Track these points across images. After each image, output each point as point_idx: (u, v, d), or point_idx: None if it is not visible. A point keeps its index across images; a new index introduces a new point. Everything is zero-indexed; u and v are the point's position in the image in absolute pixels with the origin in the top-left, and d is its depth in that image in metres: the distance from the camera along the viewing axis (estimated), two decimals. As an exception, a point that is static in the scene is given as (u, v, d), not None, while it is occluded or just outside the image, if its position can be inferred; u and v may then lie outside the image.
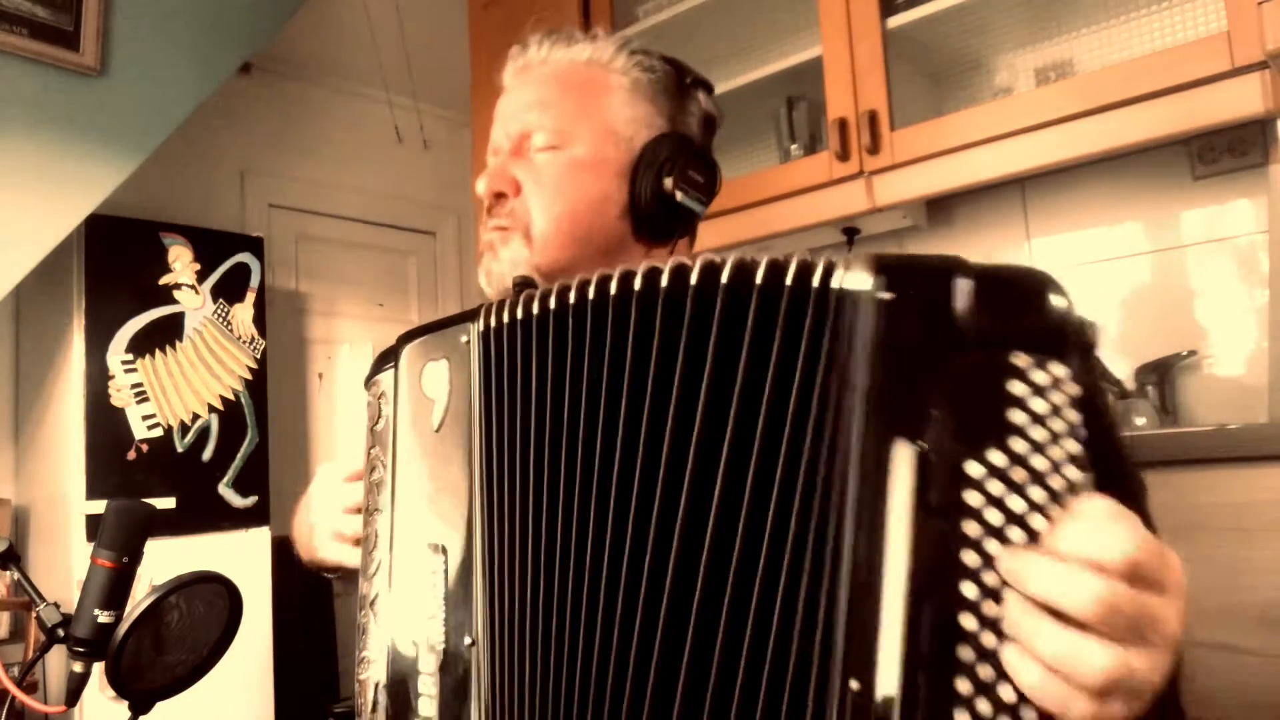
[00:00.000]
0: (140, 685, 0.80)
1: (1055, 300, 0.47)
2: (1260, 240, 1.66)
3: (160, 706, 0.82)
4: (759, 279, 0.52)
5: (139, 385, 2.52)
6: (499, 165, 0.84)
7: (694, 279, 0.54)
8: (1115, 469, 0.47)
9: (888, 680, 0.45)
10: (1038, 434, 0.44)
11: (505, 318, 0.64)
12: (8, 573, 1.12)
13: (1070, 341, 0.46)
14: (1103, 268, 1.85)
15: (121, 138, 2.24)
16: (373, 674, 0.65)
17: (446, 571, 0.63)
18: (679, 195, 0.80)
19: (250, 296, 2.78)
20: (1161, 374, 1.71)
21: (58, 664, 2.34)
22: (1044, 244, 1.92)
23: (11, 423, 2.72)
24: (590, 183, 0.82)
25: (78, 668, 0.79)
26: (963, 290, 0.47)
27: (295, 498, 0.90)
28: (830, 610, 0.47)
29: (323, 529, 0.81)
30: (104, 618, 0.78)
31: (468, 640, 0.61)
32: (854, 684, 0.45)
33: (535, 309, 0.62)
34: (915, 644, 0.44)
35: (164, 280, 2.60)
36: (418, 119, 3.43)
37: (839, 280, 0.50)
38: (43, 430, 2.60)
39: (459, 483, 0.64)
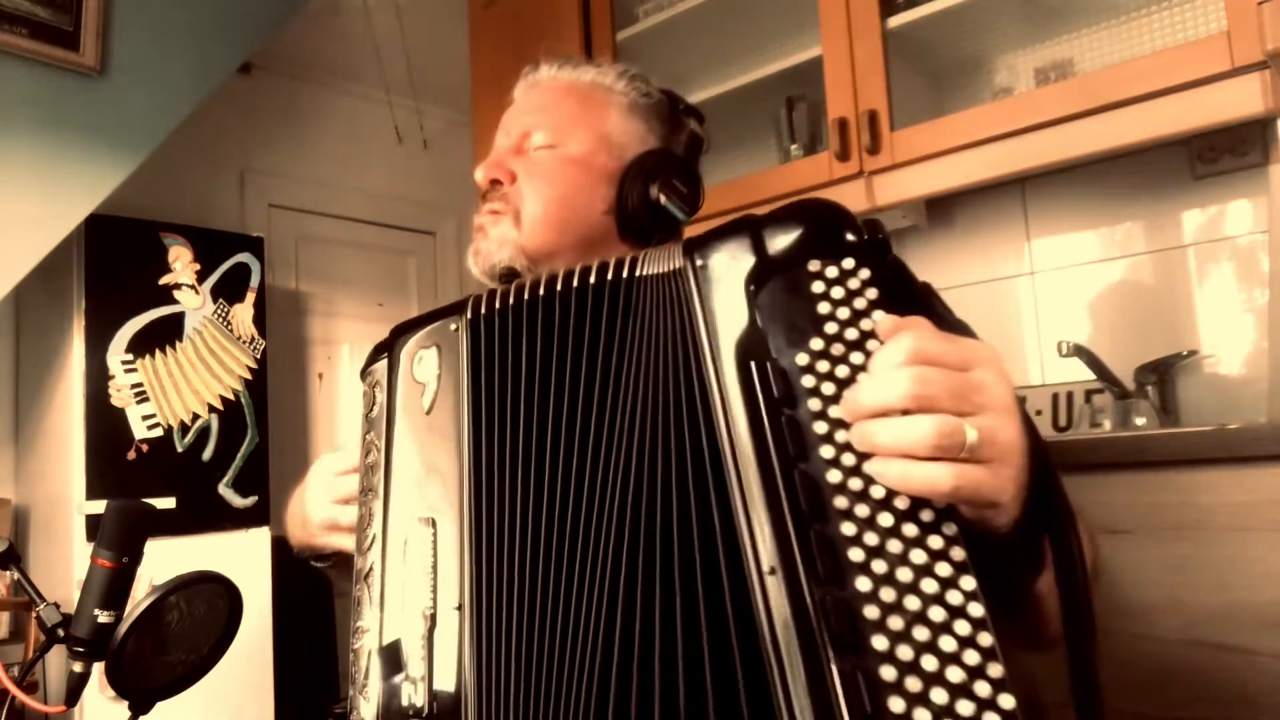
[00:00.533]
0: (140, 685, 0.80)
1: (835, 216, 0.59)
2: (1260, 240, 1.66)
3: (160, 706, 0.82)
4: (625, 274, 0.65)
5: (139, 385, 2.52)
6: (497, 156, 0.91)
7: (591, 279, 0.67)
8: (919, 314, 0.56)
9: (783, 545, 0.53)
10: (842, 313, 0.55)
11: (493, 306, 0.70)
12: (8, 573, 1.12)
13: (855, 242, 0.58)
14: (1103, 268, 1.85)
15: (121, 138, 2.24)
16: (366, 642, 0.68)
17: (436, 542, 0.67)
18: (663, 199, 0.87)
19: (250, 296, 2.78)
20: (1161, 374, 1.70)
21: (58, 664, 2.34)
22: (1044, 244, 1.92)
23: (11, 423, 2.72)
24: (581, 177, 0.88)
25: (78, 668, 0.79)
26: (756, 239, 0.60)
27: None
28: (723, 497, 0.56)
29: (316, 517, 0.85)
30: (104, 618, 0.78)
31: (455, 604, 0.65)
32: (765, 565, 0.53)
33: (521, 297, 0.69)
34: (798, 508, 0.53)
35: (164, 280, 2.60)
36: (418, 119, 3.43)
37: (661, 265, 0.64)
38: (43, 430, 2.60)
39: (449, 460, 0.69)
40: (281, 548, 2.62)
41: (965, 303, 2.02)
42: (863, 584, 0.50)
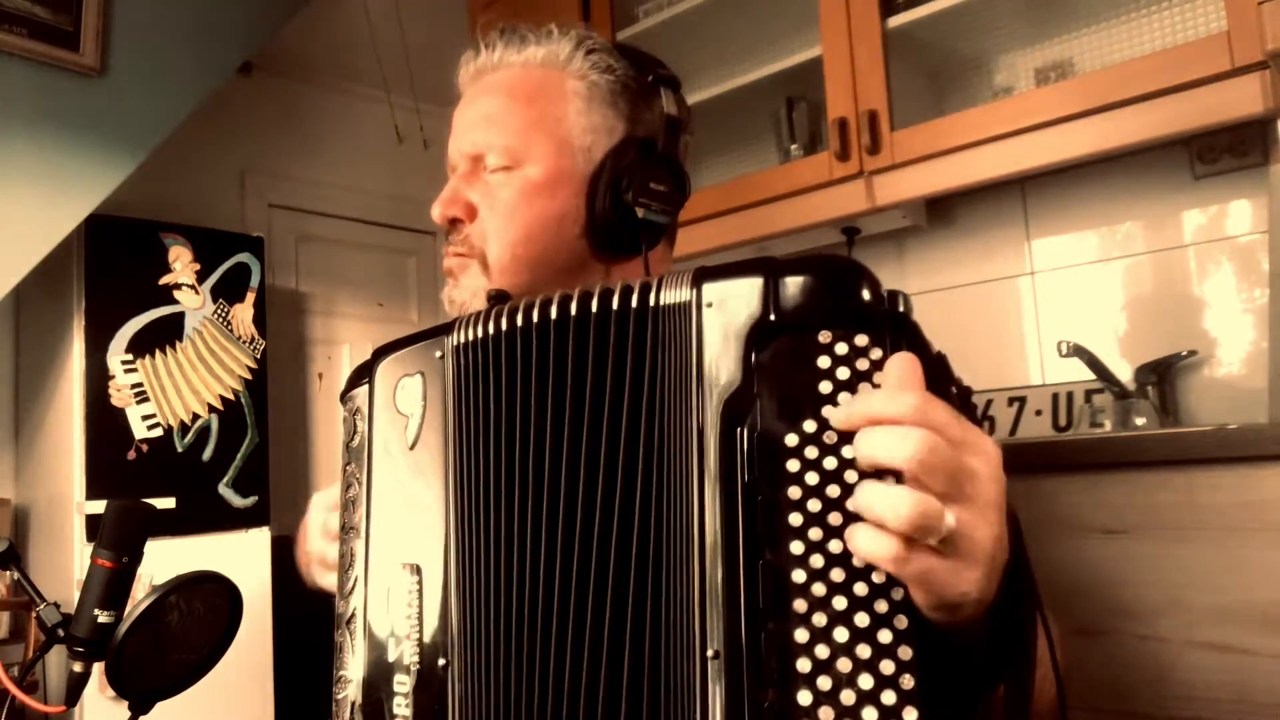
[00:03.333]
0: (140, 685, 0.80)
1: (857, 281, 0.53)
2: (1260, 240, 1.66)
3: (160, 706, 0.82)
4: (614, 304, 0.59)
5: (139, 385, 2.52)
6: (452, 189, 0.82)
7: (563, 309, 0.61)
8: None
9: (734, 637, 0.50)
10: (844, 398, 0.50)
11: (478, 333, 0.64)
12: (8, 573, 1.12)
13: (873, 314, 0.52)
14: (1103, 268, 1.85)
15: (121, 138, 2.24)
16: (349, 693, 0.65)
17: (421, 591, 0.63)
18: (641, 212, 0.77)
19: (250, 296, 2.78)
20: (1161, 374, 1.70)
21: (58, 664, 2.34)
22: (1044, 244, 1.92)
23: (11, 423, 2.72)
24: (545, 203, 0.79)
25: (78, 668, 0.79)
26: (769, 288, 0.54)
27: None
28: (683, 580, 0.53)
29: (315, 556, 0.82)
30: (104, 618, 0.78)
31: (442, 661, 0.61)
32: (710, 650, 0.51)
33: (505, 324, 0.63)
34: (754, 603, 0.50)
35: (164, 280, 2.60)
36: (418, 119, 3.43)
37: (666, 297, 0.57)
38: (43, 430, 2.60)
39: (433, 501, 0.64)
40: (281, 548, 2.63)
41: (965, 303, 2.02)
42: (804, 697, 0.48)
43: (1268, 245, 1.62)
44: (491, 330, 0.64)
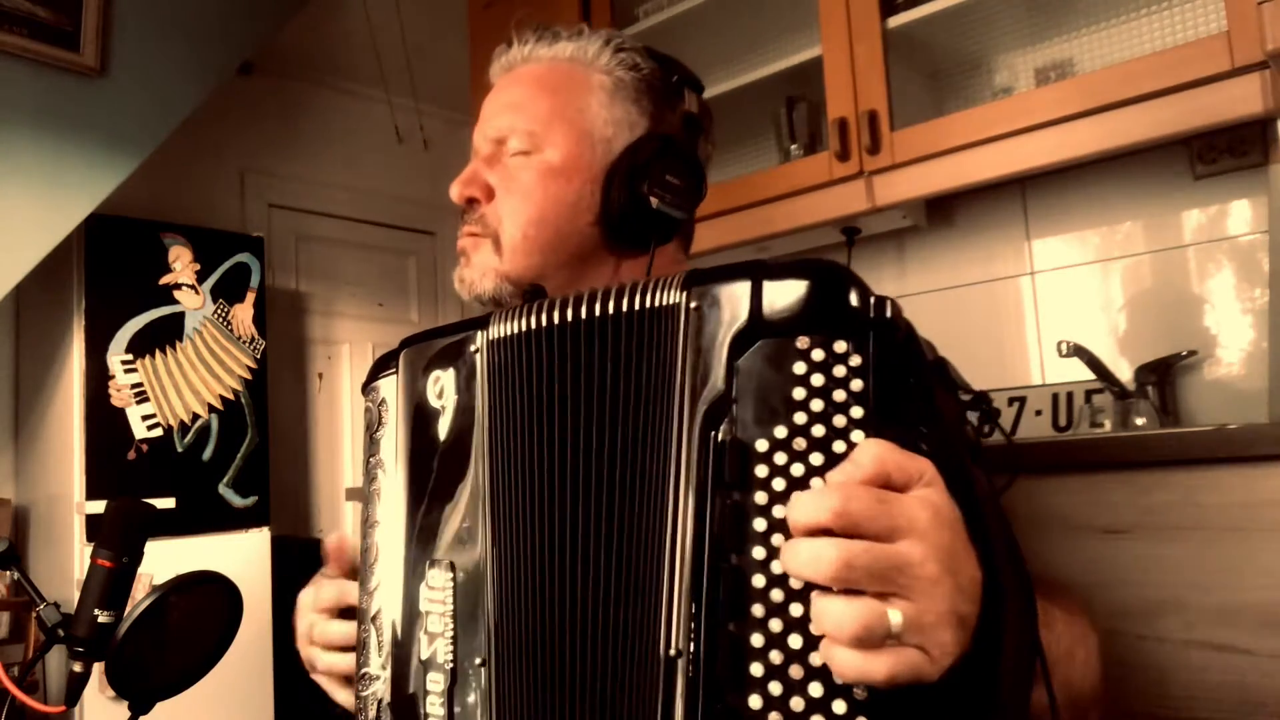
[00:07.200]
0: (140, 685, 0.80)
1: (841, 286, 0.53)
2: (1260, 240, 1.66)
3: (160, 707, 0.82)
4: (610, 307, 0.60)
5: (139, 385, 2.52)
6: (472, 170, 0.84)
7: (610, 308, 0.61)
8: (906, 423, 0.52)
9: (695, 638, 0.51)
10: (816, 404, 0.50)
11: (517, 327, 0.63)
12: (8, 573, 1.12)
13: (856, 319, 0.52)
14: (1103, 268, 1.85)
15: (121, 138, 2.24)
16: (376, 690, 0.64)
17: (455, 589, 0.62)
18: (655, 202, 0.78)
19: (250, 296, 2.79)
20: (1161, 374, 1.70)
21: (58, 664, 2.34)
22: (1044, 244, 1.92)
23: (11, 423, 2.72)
24: (562, 188, 0.80)
25: (77, 668, 0.79)
26: (755, 292, 0.54)
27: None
28: (653, 581, 0.54)
29: (305, 660, 0.82)
30: (104, 618, 0.78)
31: (478, 660, 0.60)
32: (672, 649, 0.52)
33: (542, 321, 0.62)
34: (715, 605, 0.50)
35: (164, 280, 2.60)
36: (418, 119, 3.43)
37: (658, 299, 0.58)
38: (43, 430, 2.60)
39: (465, 497, 0.63)
40: (281, 548, 2.63)
41: (965, 303, 2.02)
42: (755, 702, 0.48)
43: (1268, 245, 1.62)
44: (527, 326, 0.63)
